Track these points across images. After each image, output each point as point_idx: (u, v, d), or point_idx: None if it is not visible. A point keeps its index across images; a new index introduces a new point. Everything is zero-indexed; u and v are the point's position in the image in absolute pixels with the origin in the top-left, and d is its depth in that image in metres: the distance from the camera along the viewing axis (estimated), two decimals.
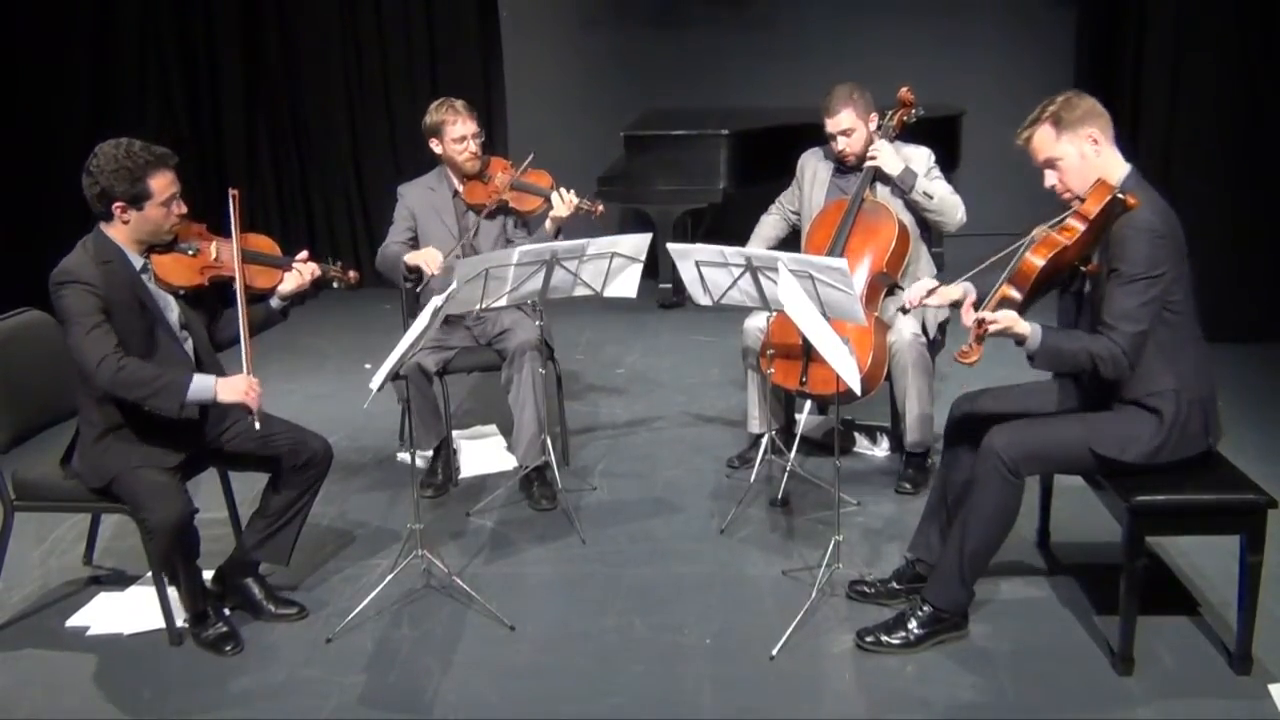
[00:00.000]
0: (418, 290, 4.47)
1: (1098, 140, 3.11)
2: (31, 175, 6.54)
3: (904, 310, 3.62)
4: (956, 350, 2.99)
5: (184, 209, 3.36)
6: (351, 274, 3.76)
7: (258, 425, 3.32)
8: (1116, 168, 3.13)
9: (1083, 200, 3.07)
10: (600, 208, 4.47)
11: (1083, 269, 3.15)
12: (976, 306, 3.09)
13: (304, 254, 3.59)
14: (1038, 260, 3.02)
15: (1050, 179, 3.17)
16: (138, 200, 3.24)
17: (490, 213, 4.45)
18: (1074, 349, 3.06)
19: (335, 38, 7.58)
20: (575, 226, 4.46)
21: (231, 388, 3.25)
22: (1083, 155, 3.11)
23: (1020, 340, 3.03)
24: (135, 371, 3.18)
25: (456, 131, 4.38)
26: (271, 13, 7.50)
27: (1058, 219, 3.10)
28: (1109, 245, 3.07)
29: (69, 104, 6.84)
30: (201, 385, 3.24)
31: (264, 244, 3.57)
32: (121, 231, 3.30)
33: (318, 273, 3.58)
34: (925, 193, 4.22)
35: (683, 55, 8.42)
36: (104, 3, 6.97)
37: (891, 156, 4.23)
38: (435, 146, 4.46)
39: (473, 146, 4.41)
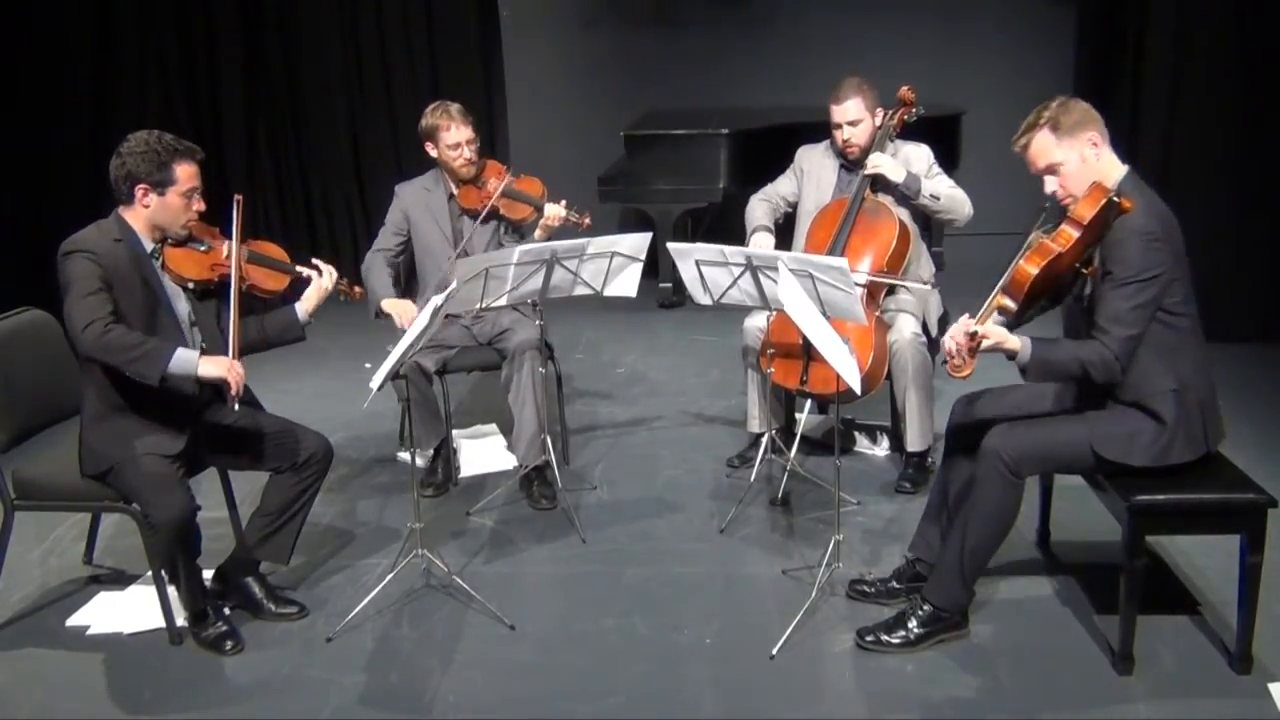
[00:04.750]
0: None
1: (1097, 143, 3.09)
2: (31, 175, 6.55)
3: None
4: (948, 364, 3.00)
5: (203, 206, 3.41)
6: (356, 290, 3.78)
7: (236, 407, 3.32)
8: (1114, 170, 3.12)
9: (1077, 204, 3.04)
10: (587, 220, 4.40)
11: (1084, 271, 3.14)
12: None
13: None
14: (1031, 269, 3.00)
15: (1051, 185, 3.13)
16: (161, 185, 3.30)
17: (483, 218, 4.44)
18: (1064, 359, 3.06)
19: (335, 38, 7.58)
20: (565, 236, 4.43)
21: (214, 363, 3.25)
22: (1083, 159, 3.08)
23: (1011, 355, 3.03)
24: (120, 337, 3.19)
25: (451, 138, 4.36)
26: (271, 13, 7.50)
27: (1053, 224, 3.08)
28: (1105, 247, 3.06)
29: (69, 104, 6.84)
30: (184, 358, 3.22)
31: (273, 250, 3.60)
32: (140, 217, 3.34)
33: (335, 278, 3.57)
34: (931, 195, 4.21)
35: (683, 55, 8.43)
36: (104, 2, 6.97)
37: (893, 166, 4.21)
38: (431, 150, 4.45)
39: (467, 153, 4.38)
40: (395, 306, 4.27)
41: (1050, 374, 3.13)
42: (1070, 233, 3.01)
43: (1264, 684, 3.09)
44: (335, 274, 3.58)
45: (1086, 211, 3.00)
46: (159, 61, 7.22)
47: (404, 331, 4.10)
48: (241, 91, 7.47)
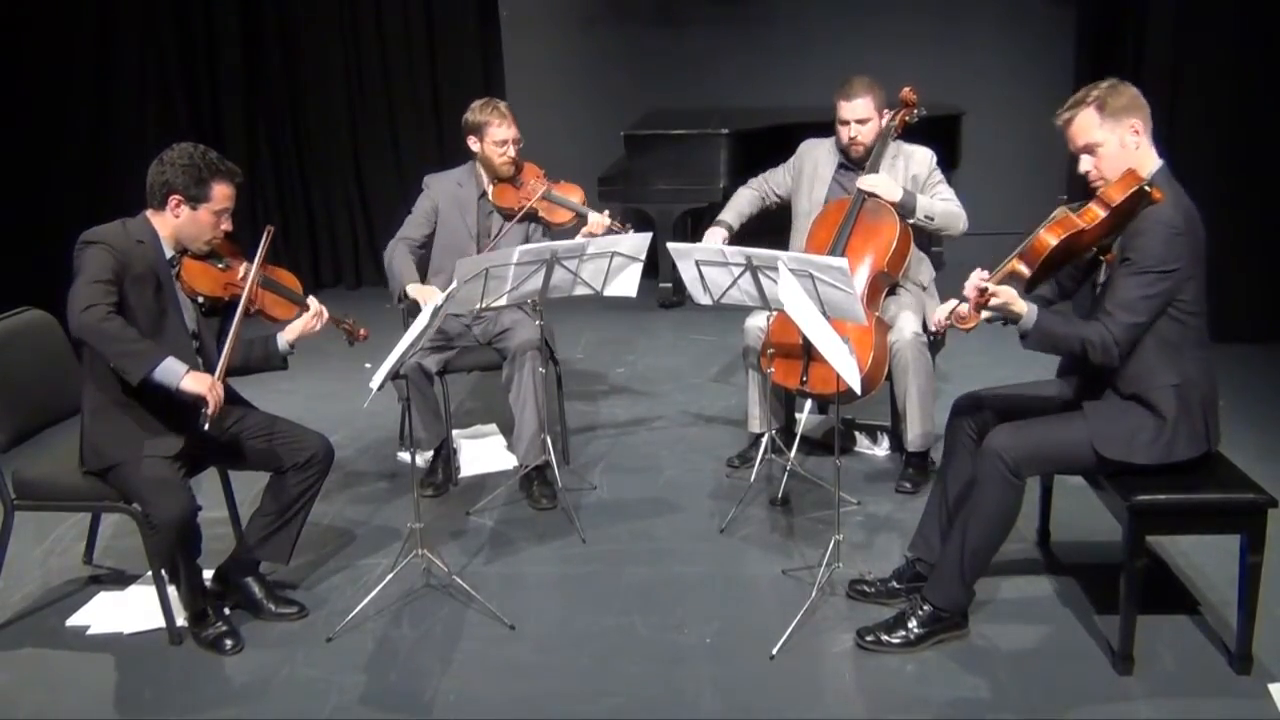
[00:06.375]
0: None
1: (1139, 131, 3.08)
2: (32, 175, 6.54)
3: (935, 335, 3.52)
4: (954, 314, 2.99)
5: (230, 227, 3.42)
6: (362, 331, 3.73)
7: (207, 426, 3.25)
8: (1150, 161, 3.10)
9: (1109, 186, 3.02)
10: (630, 229, 4.43)
11: (1101, 258, 3.13)
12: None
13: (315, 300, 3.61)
14: (1050, 239, 2.99)
15: (1086, 164, 3.12)
16: (195, 200, 3.33)
17: (519, 218, 4.45)
18: (1066, 333, 3.06)
19: (335, 38, 7.58)
20: None
21: (198, 380, 3.21)
22: (1123, 144, 3.08)
23: (1015, 319, 3.03)
24: (118, 328, 3.16)
25: (499, 135, 4.38)
26: (271, 13, 7.50)
27: (1081, 202, 3.08)
28: (1127, 235, 3.05)
29: (69, 104, 6.83)
30: (171, 368, 3.18)
31: (288, 279, 3.61)
32: (167, 225, 3.36)
33: (326, 317, 3.56)
34: (926, 215, 4.19)
35: (683, 55, 8.43)
36: (105, 3, 6.97)
37: (888, 186, 4.19)
38: (473, 145, 4.45)
39: (511, 151, 4.40)
40: (422, 292, 4.26)
41: (1049, 345, 3.11)
42: (1097, 211, 3.00)
43: (1264, 684, 3.09)
44: (325, 315, 3.56)
45: (1116, 194, 2.99)
46: (159, 61, 7.22)
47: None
48: (241, 92, 7.47)
